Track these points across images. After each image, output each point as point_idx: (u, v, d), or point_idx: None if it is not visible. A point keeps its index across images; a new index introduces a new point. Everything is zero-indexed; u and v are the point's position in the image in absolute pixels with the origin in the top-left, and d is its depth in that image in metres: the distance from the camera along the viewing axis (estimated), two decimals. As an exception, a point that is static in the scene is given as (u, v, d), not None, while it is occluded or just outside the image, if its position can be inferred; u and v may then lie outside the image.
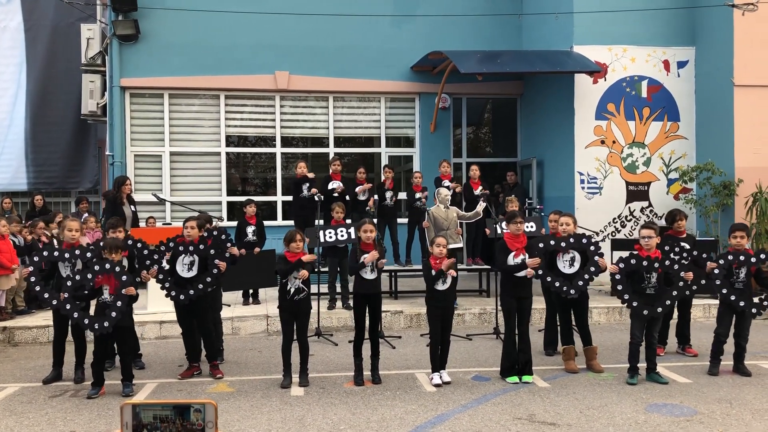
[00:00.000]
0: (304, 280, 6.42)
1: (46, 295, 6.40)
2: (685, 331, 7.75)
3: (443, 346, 6.57)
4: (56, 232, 9.87)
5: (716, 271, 6.68)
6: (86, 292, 6.15)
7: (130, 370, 6.36)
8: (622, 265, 6.53)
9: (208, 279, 6.73)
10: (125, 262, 6.87)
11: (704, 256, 7.00)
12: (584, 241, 6.83)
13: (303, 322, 6.54)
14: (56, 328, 6.78)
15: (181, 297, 6.72)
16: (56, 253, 6.55)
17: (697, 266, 6.91)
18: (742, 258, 6.64)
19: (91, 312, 6.35)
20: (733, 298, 6.65)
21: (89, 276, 6.07)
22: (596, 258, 6.75)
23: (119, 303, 6.11)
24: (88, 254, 6.48)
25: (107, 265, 6.08)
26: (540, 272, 6.79)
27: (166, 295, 6.86)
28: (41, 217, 11.08)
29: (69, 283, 6.14)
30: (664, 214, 9.58)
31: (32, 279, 6.43)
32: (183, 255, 6.76)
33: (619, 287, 6.54)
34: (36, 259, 6.51)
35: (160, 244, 6.82)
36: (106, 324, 6.07)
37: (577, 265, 6.87)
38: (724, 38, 11.36)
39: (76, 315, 6.15)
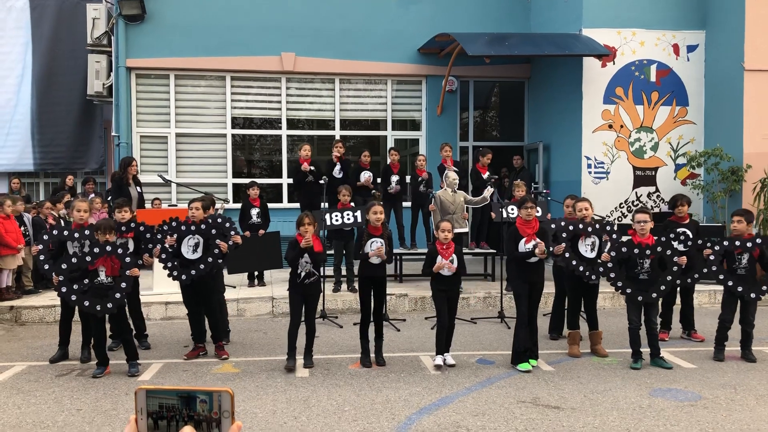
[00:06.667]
0: (314, 264, 6.42)
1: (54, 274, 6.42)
2: (689, 317, 7.74)
3: (448, 330, 6.58)
4: (63, 213, 9.90)
5: (712, 257, 6.66)
6: (76, 273, 6.09)
7: (134, 349, 6.39)
8: (613, 254, 6.50)
9: (210, 259, 6.74)
10: (131, 244, 6.89)
11: (708, 243, 6.96)
12: (608, 228, 6.82)
13: (312, 305, 6.57)
14: (63, 307, 6.81)
15: (183, 277, 6.74)
16: (65, 233, 6.54)
17: (701, 253, 6.88)
18: (738, 243, 6.62)
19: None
20: (730, 283, 6.65)
21: (88, 258, 6.06)
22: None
23: (123, 284, 6.11)
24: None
25: (108, 247, 6.07)
26: (567, 255, 6.75)
27: (169, 275, 6.88)
28: (49, 197, 11.12)
29: (64, 266, 6.09)
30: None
31: (41, 258, 6.45)
32: (188, 236, 6.78)
33: (612, 275, 6.52)
34: (45, 237, 6.52)
35: (163, 223, 6.83)
36: (109, 306, 6.08)
37: (597, 250, 6.84)
38: (736, 22, 11.23)
39: (74, 297, 6.13)
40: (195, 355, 6.86)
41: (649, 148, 11.94)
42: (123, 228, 6.90)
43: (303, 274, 6.42)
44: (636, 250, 6.43)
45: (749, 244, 6.60)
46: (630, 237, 6.56)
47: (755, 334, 6.89)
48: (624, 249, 6.47)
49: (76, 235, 6.50)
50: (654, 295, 6.47)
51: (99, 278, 6.12)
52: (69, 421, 5.05)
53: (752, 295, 6.62)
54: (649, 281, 6.49)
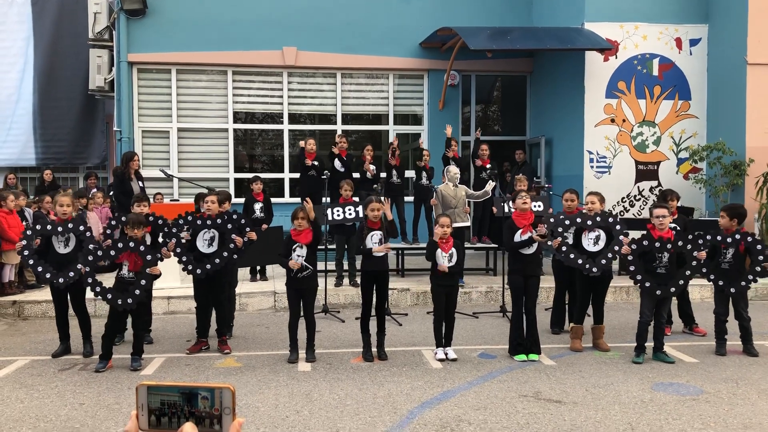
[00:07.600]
0: (306, 258, 6.44)
1: (40, 269, 6.44)
2: (688, 311, 7.75)
3: (448, 324, 6.60)
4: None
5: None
6: (105, 263, 6.16)
7: (142, 345, 6.42)
8: (634, 246, 6.50)
9: (225, 254, 6.75)
10: (147, 238, 6.88)
11: (700, 240, 6.96)
12: (610, 219, 6.80)
13: (309, 300, 6.58)
14: (56, 302, 6.82)
15: (198, 271, 6.74)
16: (49, 227, 6.55)
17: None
18: (719, 238, 6.68)
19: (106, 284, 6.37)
20: (712, 277, 6.71)
21: (112, 253, 6.10)
22: (621, 237, 6.68)
23: (143, 281, 6.13)
24: (81, 228, 6.52)
25: (132, 243, 6.10)
26: (564, 249, 6.75)
27: (183, 269, 6.89)
28: (50, 192, 11.11)
29: (91, 258, 6.14)
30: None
31: (26, 253, 6.47)
32: (203, 230, 6.78)
33: (632, 268, 6.51)
34: (29, 233, 6.53)
35: (179, 217, 6.83)
36: (129, 301, 6.11)
37: (602, 243, 6.81)
38: (738, 16, 11.18)
39: (98, 289, 6.18)
40: (197, 350, 6.88)
41: (652, 143, 11.91)
42: None
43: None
44: (657, 244, 6.42)
45: (729, 240, 6.65)
46: (649, 231, 6.55)
47: (758, 328, 6.89)
48: (645, 242, 6.46)
49: (60, 229, 6.52)
50: (672, 289, 6.47)
51: (122, 272, 6.17)
52: (72, 415, 5.06)
53: (732, 290, 6.65)
54: (667, 275, 6.47)
